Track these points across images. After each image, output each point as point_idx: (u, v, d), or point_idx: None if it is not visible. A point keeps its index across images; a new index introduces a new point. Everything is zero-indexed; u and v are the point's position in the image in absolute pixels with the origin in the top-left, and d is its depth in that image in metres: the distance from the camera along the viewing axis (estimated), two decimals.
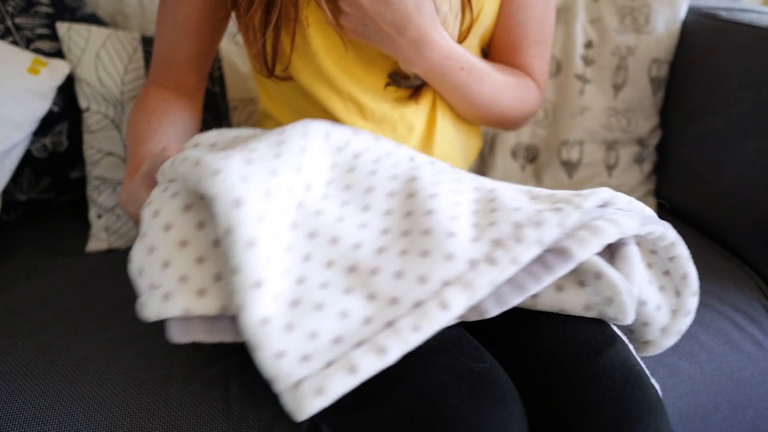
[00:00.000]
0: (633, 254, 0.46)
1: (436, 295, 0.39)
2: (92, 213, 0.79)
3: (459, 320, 0.44)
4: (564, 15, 0.89)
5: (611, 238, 0.43)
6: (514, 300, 0.41)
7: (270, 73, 0.60)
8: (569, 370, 0.43)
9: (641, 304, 0.49)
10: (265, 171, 0.42)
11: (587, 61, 0.88)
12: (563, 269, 0.42)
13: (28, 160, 0.78)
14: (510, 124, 0.70)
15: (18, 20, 0.78)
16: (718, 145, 0.80)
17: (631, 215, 0.45)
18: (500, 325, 0.48)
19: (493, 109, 0.65)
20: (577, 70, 0.88)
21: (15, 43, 0.77)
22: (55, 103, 0.78)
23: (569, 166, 0.90)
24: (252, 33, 0.56)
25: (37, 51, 0.78)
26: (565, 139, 0.89)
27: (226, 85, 0.84)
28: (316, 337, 0.37)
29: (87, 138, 0.78)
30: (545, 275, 0.41)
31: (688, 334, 0.66)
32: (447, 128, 0.65)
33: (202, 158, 0.41)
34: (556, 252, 0.42)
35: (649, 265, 0.50)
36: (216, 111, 0.83)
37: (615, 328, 0.48)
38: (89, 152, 0.78)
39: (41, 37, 0.79)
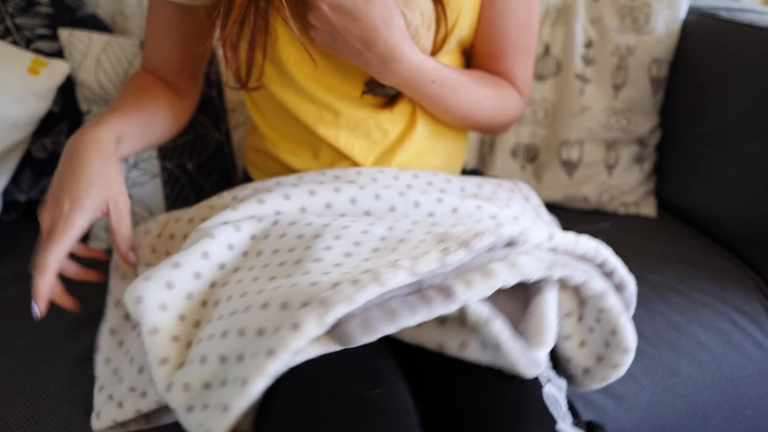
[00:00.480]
0: (545, 305, 0.44)
1: (292, 317, 0.39)
2: None
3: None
4: (564, 14, 0.89)
5: (505, 282, 0.41)
6: (384, 328, 0.39)
7: (243, 85, 0.60)
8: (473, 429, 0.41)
9: (564, 338, 0.48)
10: (167, 266, 0.47)
11: (587, 61, 0.88)
12: (444, 307, 0.40)
13: (28, 160, 0.78)
14: (491, 130, 0.70)
15: (18, 20, 0.78)
16: (718, 145, 0.80)
17: (537, 257, 0.43)
18: (430, 374, 0.47)
19: (470, 118, 0.64)
20: (577, 70, 0.88)
21: (15, 43, 0.77)
22: (55, 103, 0.78)
23: (569, 166, 0.90)
24: (229, 47, 0.56)
25: (37, 51, 0.78)
26: (565, 138, 0.89)
27: (223, 88, 0.84)
28: (209, 387, 0.41)
29: None
30: (422, 308, 0.40)
31: (688, 334, 0.66)
32: (426, 131, 0.65)
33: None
34: (439, 289, 0.41)
35: (582, 303, 0.48)
36: (213, 114, 0.83)
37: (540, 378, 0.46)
38: None
39: (41, 37, 0.79)
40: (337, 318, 0.38)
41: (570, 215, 0.89)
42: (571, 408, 0.47)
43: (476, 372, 0.44)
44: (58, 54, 0.79)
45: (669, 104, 0.89)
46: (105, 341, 0.55)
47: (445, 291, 0.40)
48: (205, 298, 0.48)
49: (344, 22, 0.53)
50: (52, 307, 0.64)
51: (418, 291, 0.41)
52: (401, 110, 0.64)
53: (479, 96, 0.63)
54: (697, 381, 0.64)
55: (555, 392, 0.45)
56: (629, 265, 0.74)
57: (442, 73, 0.59)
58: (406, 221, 0.50)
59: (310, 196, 0.54)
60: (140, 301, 0.45)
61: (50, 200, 0.51)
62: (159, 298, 0.46)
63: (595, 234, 0.59)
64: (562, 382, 0.47)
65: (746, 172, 0.76)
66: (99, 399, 0.50)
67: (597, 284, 0.45)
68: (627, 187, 0.89)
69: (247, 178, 0.76)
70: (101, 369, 0.52)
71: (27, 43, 0.78)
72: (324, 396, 0.38)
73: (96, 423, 0.48)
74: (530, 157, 0.93)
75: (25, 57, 0.75)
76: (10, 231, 0.81)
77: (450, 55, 0.66)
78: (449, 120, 0.65)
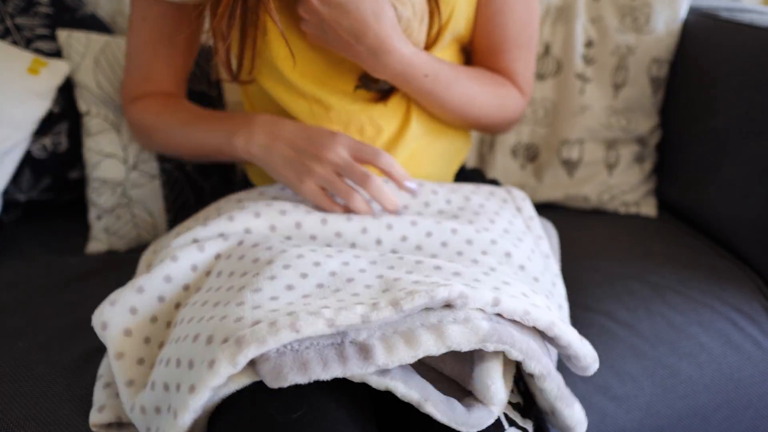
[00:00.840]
0: (487, 374, 0.41)
1: (211, 353, 0.39)
2: (92, 214, 0.79)
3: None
4: (564, 14, 0.89)
5: (429, 352, 0.39)
6: (294, 378, 0.38)
7: (233, 78, 0.60)
8: None
9: (529, 375, 0.44)
10: (132, 291, 0.49)
11: (587, 60, 0.88)
12: (359, 368, 0.39)
13: (28, 161, 0.78)
14: (490, 129, 0.69)
15: (18, 20, 0.78)
16: (718, 144, 0.79)
17: (471, 328, 0.40)
18: (394, 407, 0.46)
19: (465, 115, 0.64)
20: (577, 69, 0.87)
21: (15, 43, 0.77)
22: (55, 103, 0.78)
23: (569, 165, 0.90)
24: (220, 39, 0.56)
25: (37, 51, 0.78)
26: (566, 138, 0.89)
27: (223, 87, 0.84)
28: (159, 412, 0.42)
29: (87, 141, 0.78)
30: (336, 366, 0.38)
31: (688, 335, 0.66)
32: (420, 130, 0.64)
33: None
34: (359, 346, 0.39)
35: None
36: None
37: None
38: (89, 155, 0.78)
39: (41, 37, 0.78)
40: (249, 358, 0.38)
41: (570, 215, 0.89)
42: None
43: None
44: (58, 54, 0.78)
45: (669, 104, 0.88)
46: None
47: (365, 351, 0.39)
48: (170, 318, 0.49)
49: (334, 15, 0.53)
50: (52, 309, 0.65)
51: (340, 344, 0.40)
52: (395, 107, 0.63)
53: (475, 92, 0.62)
54: (697, 382, 0.64)
55: None
56: (629, 265, 0.75)
57: (435, 68, 0.59)
58: (365, 258, 0.48)
59: (280, 216, 0.54)
60: (106, 327, 0.47)
61: (323, 142, 0.56)
62: (123, 324, 0.48)
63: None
64: (528, 423, 0.45)
65: (746, 172, 0.76)
66: (103, 394, 0.50)
67: (534, 367, 0.42)
68: (627, 187, 0.89)
69: (245, 179, 0.76)
70: (109, 370, 0.52)
71: (27, 43, 0.78)
72: (244, 426, 0.39)
73: (97, 417, 0.49)
74: (530, 156, 0.93)
75: (25, 57, 0.75)
76: (10, 231, 0.81)
77: (446, 51, 0.65)
78: (445, 116, 0.65)
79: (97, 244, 0.79)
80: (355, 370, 0.39)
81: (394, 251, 0.53)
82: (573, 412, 0.44)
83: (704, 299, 0.70)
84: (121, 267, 0.71)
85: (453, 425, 0.40)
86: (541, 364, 0.42)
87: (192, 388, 0.38)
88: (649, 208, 0.89)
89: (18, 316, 0.63)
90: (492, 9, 0.62)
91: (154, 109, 0.65)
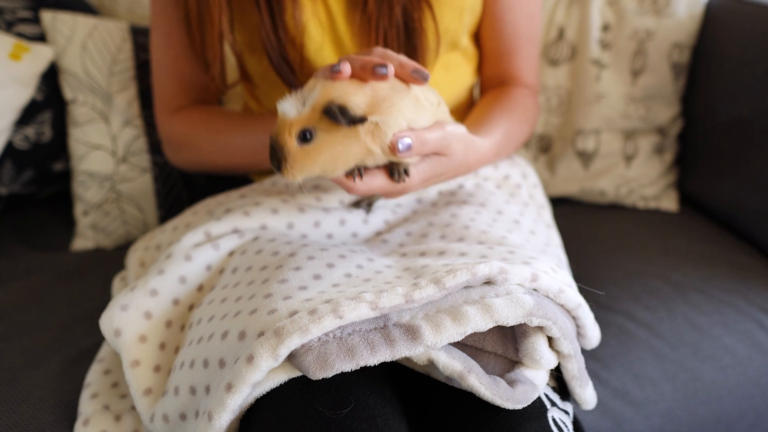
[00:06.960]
0: (534, 350, 0.41)
1: (247, 348, 0.38)
2: (78, 210, 0.78)
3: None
4: None
5: (477, 328, 0.39)
6: (341, 365, 0.37)
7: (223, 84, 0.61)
8: None
9: (563, 357, 0.45)
10: (145, 294, 0.48)
11: (604, 45, 0.86)
12: (408, 349, 0.38)
13: (9, 152, 0.77)
14: None
15: None
16: (744, 134, 0.78)
17: (516, 302, 0.40)
18: (431, 394, 0.45)
19: (514, 151, 0.66)
20: (593, 55, 0.86)
21: None
22: (38, 90, 0.77)
23: (585, 157, 0.89)
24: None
25: (19, 35, 0.77)
26: (581, 127, 0.88)
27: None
28: (185, 418, 0.42)
29: (73, 131, 0.77)
30: (384, 349, 0.38)
31: (711, 336, 0.65)
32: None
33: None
34: (405, 328, 0.39)
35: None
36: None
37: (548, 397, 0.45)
38: (75, 146, 0.77)
39: (23, 20, 0.78)
40: (291, 349, 0.37)
41: (586, 210, 0.88)
42: (578, 430, 0.47)
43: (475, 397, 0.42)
44: (42, 38, 0.78)
45: (691, 92, 0.87)
46: (108, 354, 0.55)
47: (411, 332, 0.39)
48: (184, 321, 0.49)
49: (434, 182, 0.52)
50: (35, 310, 0.65)
51: (384, 327, 0.39)
52: None
53: (519, 132, 0.63)
54: (720, 386, 0.63)
55: (561, 416, 0.44)
56: (649, 263, 0.75)
57: (498, 143, 0.59)
58: (390, 258, 0.49)
59: (299, 213, 0.54)
60: (119, 334, 0.46)
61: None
62: (138, 330, 0.47)
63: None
64: (568, 406, 0.46)
65: None
66: (89, 406, 0.50)
67: (567, 347, 0.43)
68: (646, 180, 0.88)
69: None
70: (97, 378, 0.52)
71: (8, 27, 0.76)
72: (292, 423, 0.38)
73: (82, 430, 0.48)
74: (543, 147, 0.91)
75: (6, 41, 0.73)
76: None
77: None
78: None
79: (83, 242, 0.79)
80: (404, 352, 0.39)
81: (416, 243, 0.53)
82: (584, 392, 0.46)
83: (729, 298, 0.69)
84: (109, 266, 0.70)
85: (498, 400, 0.40)
86: (573, 344, 0.43)
87: (229, 387, 0.38)
88: (669, 203, 0.88)
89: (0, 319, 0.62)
90: (501, 9, 0.62)
91: (194, 121, 0.63)
